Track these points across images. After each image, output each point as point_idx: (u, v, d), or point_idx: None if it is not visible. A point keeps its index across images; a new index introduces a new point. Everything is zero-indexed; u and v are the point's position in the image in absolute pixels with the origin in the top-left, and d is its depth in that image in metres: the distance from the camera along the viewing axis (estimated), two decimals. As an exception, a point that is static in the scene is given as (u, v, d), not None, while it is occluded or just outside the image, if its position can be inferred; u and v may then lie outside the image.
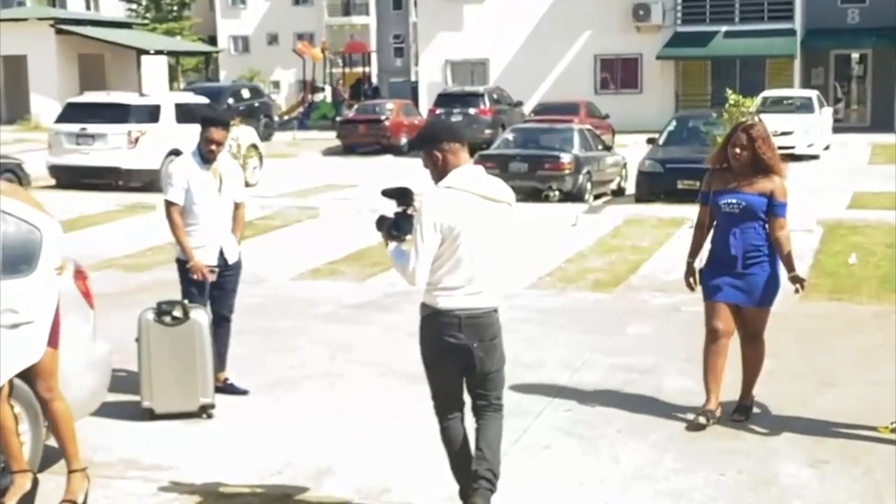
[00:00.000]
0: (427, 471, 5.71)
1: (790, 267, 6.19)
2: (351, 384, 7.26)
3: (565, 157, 18.29)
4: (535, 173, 18.23)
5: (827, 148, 27.27)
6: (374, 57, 58.35)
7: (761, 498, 5.30)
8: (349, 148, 30.20)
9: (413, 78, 48.83)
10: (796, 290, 6.20)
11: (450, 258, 4.77)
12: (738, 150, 6.08)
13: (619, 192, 20.12)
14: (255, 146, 21.01)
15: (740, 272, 6.13)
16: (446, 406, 5.11)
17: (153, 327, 6.43)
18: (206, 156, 6.89)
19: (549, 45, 36.37)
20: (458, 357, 4.92)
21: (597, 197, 18.89)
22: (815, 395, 7.00)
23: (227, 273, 7.01)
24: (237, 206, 7.05)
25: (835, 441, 6.09)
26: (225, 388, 6.95)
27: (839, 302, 9.79)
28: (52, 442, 5.64)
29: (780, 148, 23.97)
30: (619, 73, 37.09)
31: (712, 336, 6.31)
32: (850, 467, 5.66)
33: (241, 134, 19.98)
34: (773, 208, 6.12)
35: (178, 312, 6.43)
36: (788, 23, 34.58)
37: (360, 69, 47.42)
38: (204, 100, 21.81)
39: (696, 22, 35.56)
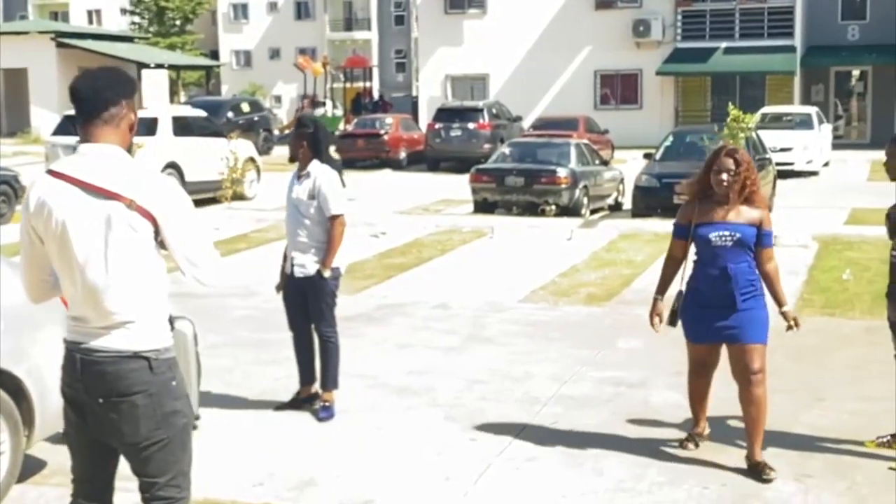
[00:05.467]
0: (410, 483, 5.68)
1: (782, 301, 5.75)
2: (337, 396, 7.22)
3: (562, 172, 18.29)
4: (532, 187, 18.24)
5: (826, 164, 27.27)
6: (375, 72, 58.47)
7: (745, 512, 5.26)
8: (348, 162, 30.16)
9: (414, 93, 48.90)
10: (789, 327, 5.71)
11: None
12: (724, 177, 5.52)
13: (616, 207, 20.11)
14: (252, 159, 21.03)
15: (735, 309, 5.58)
16: (77, 492, 3.76)
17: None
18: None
19: (549, 60, 36.45)
20: (80, 418, 3.58)
21: (594, 211, 18.88)
22: (805, 410, 6.96)
23: None
24: None
25: (822, 456, 6.05)
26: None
27: (832, 317, 9.76)
28: (33, 451, 5.61)
29: (780, 164, 24.06)
30: (619, 88, 37.14)
31: (696, 376, 6.00)
32: (836, 482, 5.62)
33: (239, 147, 20.01)
34: (762, 238, 5.64)
35: (162, 323, 6.38)
36: (788, 39, 34.64)
37: (361, 84, 47.48)
38: (202, 113, 21.84)
39: (695, 38, 35.62)
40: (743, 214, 5.57)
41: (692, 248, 5.82)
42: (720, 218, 5.58)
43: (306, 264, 6.74)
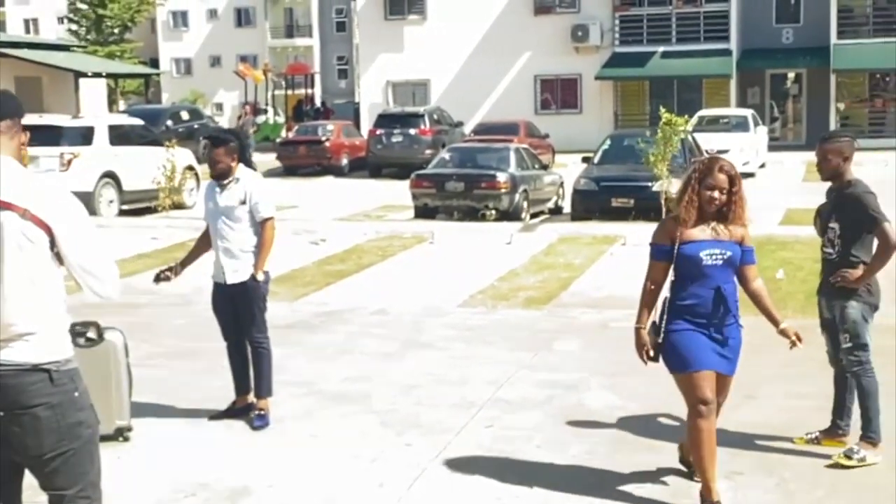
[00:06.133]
0: (344, 491, 5.67)
1: (777, 319, 5.35)
2: (274, 403, 7.17)
3: (501, 177, 18.38)
4: (472, 192, 18.32)
5: (762, 166, 27.68)
6: (317, 78, 58.31)
7: (675, 510, 5.32)
8: (289, 169, 30.08)
9: (357, 99, 48.83)
10: (793, 345, 5.33)
11: None
12: (717, 194, 5.07)
13: (556, 211, 20.24)
14: (191, 168, 20.84)
15: (723, 335, 5.18)
16: None
17: (67, 349, 6.30)
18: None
19: (489, 65, 36.59)
20: None
21: (534, 215, 18.99)
22: (736, 408, 7.01)
23: None
24: None
25: (751, 453, 6.14)
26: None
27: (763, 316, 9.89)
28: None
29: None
30: (559, 93, 37.39)
31: (704, 410, 5.14)
32: (764, 479, 5.71)
33: (177, 156, 19.82)
34: (746, 255, 5.23)
35: (92, 334, 6.33)
36: (724, 43, 35.11)
37: (303, 91, 47.31)
38: (139, 122, 21.62)
39: (633, 43, 35.96)
40: (728, 231, 5.15)
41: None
42: (708, 236, 5.12)
43: (239, 269, 6.73)
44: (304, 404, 7.24)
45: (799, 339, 5.32)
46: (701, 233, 5.13)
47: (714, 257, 5.10)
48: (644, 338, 5.22)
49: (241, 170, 6.81)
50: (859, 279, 5.86)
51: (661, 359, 5.27)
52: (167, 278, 6.98)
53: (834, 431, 6.20)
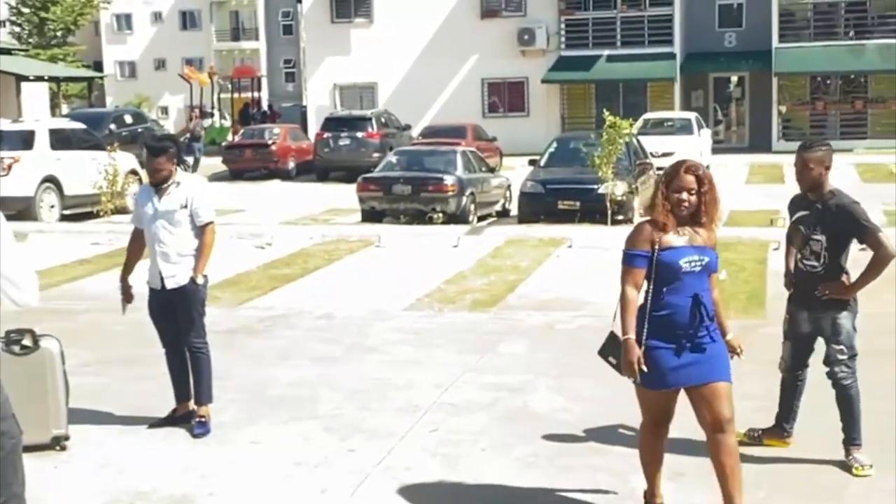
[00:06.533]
0: (285, 498, 5.60)
1: (726, 329, 5.14)
2: (215, 410, 7.07)
3: (448, 180, 18.38)
4: (419, 195, 18.29)
5: (707, 168, 27.91)
6: (264, 82, 57.92)
7: (619, 512, 5.32)
8: (236, 173, 29.84)
9: (304, 102, 48.58)
10: (734, 355, 5.16)
11: None
12: (685, 196, 4.84)
13: (503, 214, 20.28)
14: (134, 172, 20.57)
15: (699, 344, 4.90)
16: None
17: (2, 357, 6.17)
18: None
19: (436, 68, 36.58)
20: None
21: (481, 218, 19.00)
22: (679, 409, 7.05)
23: None
24: None
25: (695, 454, 6.14)
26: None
27: (709, 317, 9.96)
28: None
29: (661, 169, 24.56)
30: (507, 96, 37.47)
31: (656, 430, 5.15)
32: (707, 478, 5.69)
33: (120, 160, 19.57)
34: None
35: (27, 341, 6.19)
36: (668, 47, 35.40)
37: (249, 94, 46.94)
38: (81, 126, 21.31)
39: (579, 46, 36.14)
40: (702, 236, 4.93)
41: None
42: (686, 242, 4.89)
43: (178, 274, 6.65)
44: (246, 411, 7.15)
45: (741, 351, 5.19)
46: (678, 238, 4.89)
47: (693, 264, 4.87)
48: (636, 350, 4.83)
49: (180, 174, 6.75)
50: (850, 290, 5.74)
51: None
52: (130, 299, 6.87)
53: (778, 432, 6.23)
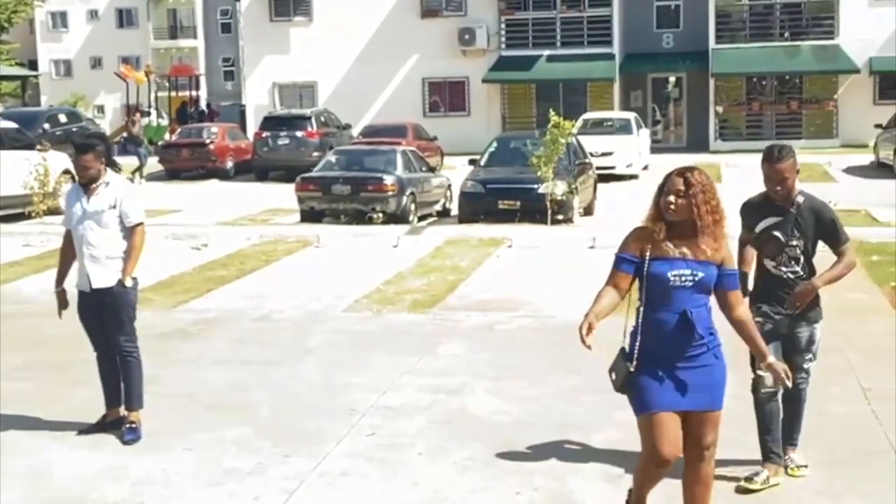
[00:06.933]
0: (218, 504, 5.49)
1: (764, 352, 4.77)
2: (147, 416, 6.91)
3: (388, 179, 18.28)
4: (359, 195, 18.17)
5: (646, 168, 28.12)
6: (203, 80, 57.31)
7: (556, 515, 5.28)
8: (172, 173, 29.45)
9: (243, 101, 48.14)
10: (785, 386, 4.78)
11: None
12: (672, 199, 4.54)
13: (444, 213, 20.22)
14: (67, 172, 20.16)
15: (693, 366, 4.59)
16: None
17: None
18: None
19: (377, 68, 36.43)
20: None
21: (422, 218, 18.92)
22: (618, 409, 7.02)
23: None
24: None
25: (632, 454, 6.12)
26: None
27: (647, 316, 9.99)
28: None
29: (601, 168, 24.57)
30: (448, 95, 37.42)
31: (659, 462, 4.61)
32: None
33: (53, 160, 19.18)
34: (724, 279, 4.65)
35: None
36: (607, 47, 35.60)
37: (187, 93, 46.41)
38: (12, 125, 20.86)
39: (519, 46, 36.20)
40: (702, 250, 4.58)
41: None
42: (678, 252, 4.57)
43: (106, 276, 6.51)
44: (178, 416, 7.00)
45: (788, 376, 4.72)
46: (672, 250, 4.57)
47: (683, 279, 4.54)
48: (590, 319, 4.54)
49: (109, 174, 6.61)
50: (815, 288, 5.51)
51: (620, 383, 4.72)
52: (66, 305, 6.74)
53: (779, 462, 5.69)
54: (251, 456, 6.16)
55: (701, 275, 4.55)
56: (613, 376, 4.74)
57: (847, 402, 7.05)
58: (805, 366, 5.68)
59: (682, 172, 4.61)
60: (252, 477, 5.83)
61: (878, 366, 7.93)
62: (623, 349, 4.71)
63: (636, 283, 4.67)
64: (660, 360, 4.57)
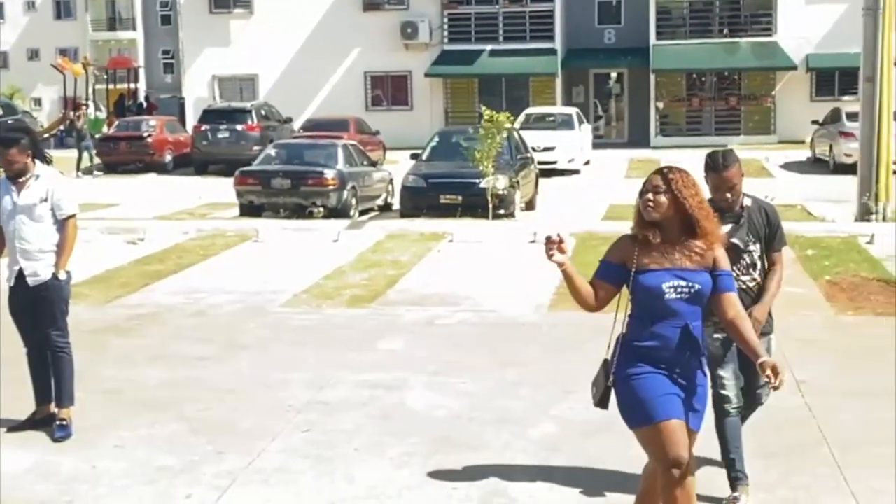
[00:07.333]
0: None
1: (759, 351, 4.36)
2: (77, 413, 6.73)
3: (329, 173, 18.15)
4: (299, 189, 18.02)
5: (587, 163, 28.28)
6: (142, 73, 56.53)
7: (492, 510, 5.25)
8: (110, 166, 29.01)
9: (183, 94, 47.60)
10: (772, 386, 4.30)
11: None
12: (651, 196, 4.26)
13: (386, 208, 20.12)
14: (1, 165, 19.76)
15: (691, 383, 4.35)
16: None
17: None
18: None
19: (318, 61, 36.18)
20: None
21: (363, 212, 18.82)
22: (555, 403, 7.05)
23: None
24: None
25: (570, 449, 6.13)
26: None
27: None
28: None
29: (543, 163, 24.60)
30: (390, 90, 37.29)
31: (678, 474, 4.25)
32: (580, 475, 5.70)
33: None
34: (720, 281, 4.35)
35: None
36: (549, 42, 35.70)
37: (126, 85, 45.72)
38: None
39: (462, 41, 36.17)
40: (695, 255, 4.30)
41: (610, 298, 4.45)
42: (667, 261, 4.28)
43: (38, 270, 6.37)
44: (110, 413, 6.86)
45: (775, 374, 4.24)
46: (664, 259, 4.27)
47: (679, 291, 4.24)
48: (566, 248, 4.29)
49: (39, 166, 6.45)
50: (767, 307, 5.28)
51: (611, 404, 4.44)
52: None
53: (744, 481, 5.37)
54: (184, 453, 6.06)
55: (697, 286, 4.26)
56: (594, 390, 4.51)
57: (781, 394, 7.07)
58: (763, 381, 5.05)
59: (660, 170, 4.37)
60: (184, 474, 5.73)
61: (812, 359, 8.03)
62: (606, 361, 4.45)
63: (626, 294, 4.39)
64: (656, 374, 4.27)
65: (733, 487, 5.31)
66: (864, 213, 15.75)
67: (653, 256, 4.27)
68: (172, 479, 5.66)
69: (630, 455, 5.87)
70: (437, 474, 5.71)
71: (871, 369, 7.82)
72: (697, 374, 4.38)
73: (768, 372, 4.25)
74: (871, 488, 5.45)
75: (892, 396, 7.07)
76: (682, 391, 4.31)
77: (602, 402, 4.45)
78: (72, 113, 31.05)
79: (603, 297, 4.37)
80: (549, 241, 4.31)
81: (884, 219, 15.58)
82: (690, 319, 4.27)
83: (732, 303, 4.37)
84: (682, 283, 4.23)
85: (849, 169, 19.97)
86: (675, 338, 4.24)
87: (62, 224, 6.43)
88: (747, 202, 5.30)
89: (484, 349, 8.58)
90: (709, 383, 4.51)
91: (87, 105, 41.21)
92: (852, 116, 20.47)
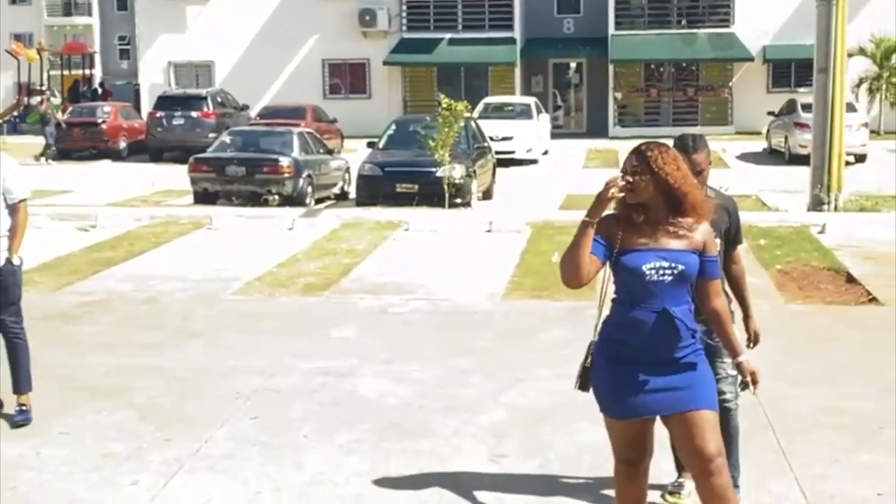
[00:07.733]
0: (93, 490, 5.32)
1: (737, 349, 4.30)
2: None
3: (284, 161, 18.05)
4: (254, 177, 17.91)
5: (546, 153, 28.34)
6: (97, 58, 55.86)
7: (438, 496, 5.24)
8: (64, 153, 28.67)
9: (138, 80, 47.09)
10: (745, 386, 4.26)
11: None
12: (630, 178, 4.04)
13: (342, 196, 20.05)
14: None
15: (675, 368, 4.12)
16: None
17: None
18: None
19: (276, 48, 35.93)
20: None
21: (320, 201, 18.74)
22: (505, 390, 7.07)
23: None
24: None
25: (518, 435, 6.15)
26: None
27: (539, 300, 10.00)
28: None
29: (501, 153, 24.63)
30: (348, 77, 37.13)
31: (628, 471, 4.32)
32: (528, 461, 5.72)
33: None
34: (706, 266, 4.16)
35: None
36: (509, 31, 35.70)
37: (81, 71, 45.19)
38: None
39: (421, 29, 36.08)
40: (681, 235, 4.09)
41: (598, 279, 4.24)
42: (652, 241, 4.07)
43: None
44: (56, 400, 6.77)
45: (755, 380, 4.23)
46: (648, 238, 4.08)
47: (661, 272, 4.03)
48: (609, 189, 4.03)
49: None
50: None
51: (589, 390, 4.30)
52: None
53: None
54: (131, 440, 6.00)
55: (681, 267, 4.05)
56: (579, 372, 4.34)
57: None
58: (731, 371, 4.88)
59: (637, 148, 4.13)
60: (130, 461, 5.68)
61: (760, 347, 8.06)
62: (590, 343, 4.28)
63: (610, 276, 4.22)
64: (636, 358, 4.09)
65: (679, 472, 5.35)
66: (817, 204, 15.93)
67: (636, 236, 4.07)
68: (118, 466, 5.61)
69: (579, 441, 5.94)
70: (386, 460, 5.71)
71: (818, 358, 7.93)
72: (686, 357, 4.13)
73: (748, 378, 4.21)
74: (815, 474, 5.52)
75: (836, 384, 7.18)
76: (669, 379, 4.10)
77: (582, 386, 4.30)
78: (35, 99, 30.67)
79: (591, 269, 4.08)
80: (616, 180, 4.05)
81: (835, 209, 15.77)
82: (671, 303, 4.05)
83: (717, 291, 4.25)
84: (665, 263, 4.04)
85: (804, 160, 20.15)
86: (651, 321, 4.05)
87: (13, 209, 6.34)
88: (710, 193, 4.93)
89: (436, 337, 8.58)
90: (708, 366, 4.26)
91: (51, 90, 40.74)
92: (807, 108, 20.66)
